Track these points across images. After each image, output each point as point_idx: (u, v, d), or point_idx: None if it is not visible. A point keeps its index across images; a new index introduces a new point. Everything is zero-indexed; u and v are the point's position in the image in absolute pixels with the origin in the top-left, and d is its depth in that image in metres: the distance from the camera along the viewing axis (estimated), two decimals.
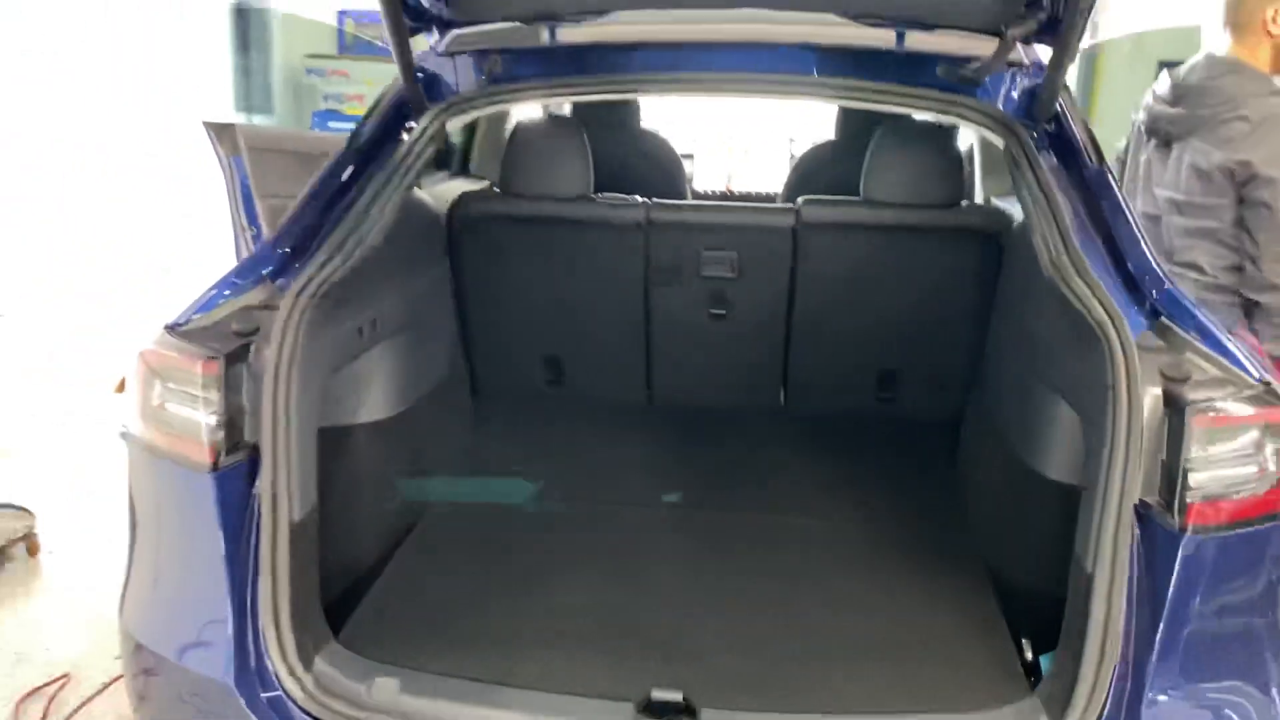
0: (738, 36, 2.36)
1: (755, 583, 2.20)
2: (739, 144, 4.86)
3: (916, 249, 2.68)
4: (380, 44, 7.24)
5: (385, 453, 2.29)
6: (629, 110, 3.53)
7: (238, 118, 6.25)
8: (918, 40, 2.33)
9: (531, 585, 2.16)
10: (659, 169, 3.42)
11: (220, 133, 4.59)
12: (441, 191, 2.95)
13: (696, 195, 4.08)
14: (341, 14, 7.03)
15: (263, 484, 1.75)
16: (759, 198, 4.25)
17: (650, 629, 2.03)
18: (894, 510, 2.49)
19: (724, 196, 4.43)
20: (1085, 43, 2.38)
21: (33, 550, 3.72)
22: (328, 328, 1.95)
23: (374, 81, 6.93)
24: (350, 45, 7.10)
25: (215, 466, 1.75)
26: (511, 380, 2.94)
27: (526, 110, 3.29)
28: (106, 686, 3.00)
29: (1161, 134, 2.70)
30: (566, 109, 3.41)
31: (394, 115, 2.37)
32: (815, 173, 3.42)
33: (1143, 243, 1.94)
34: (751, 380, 2.92)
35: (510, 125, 3.57)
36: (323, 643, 1.80)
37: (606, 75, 2.37)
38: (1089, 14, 1.97)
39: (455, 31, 2.51)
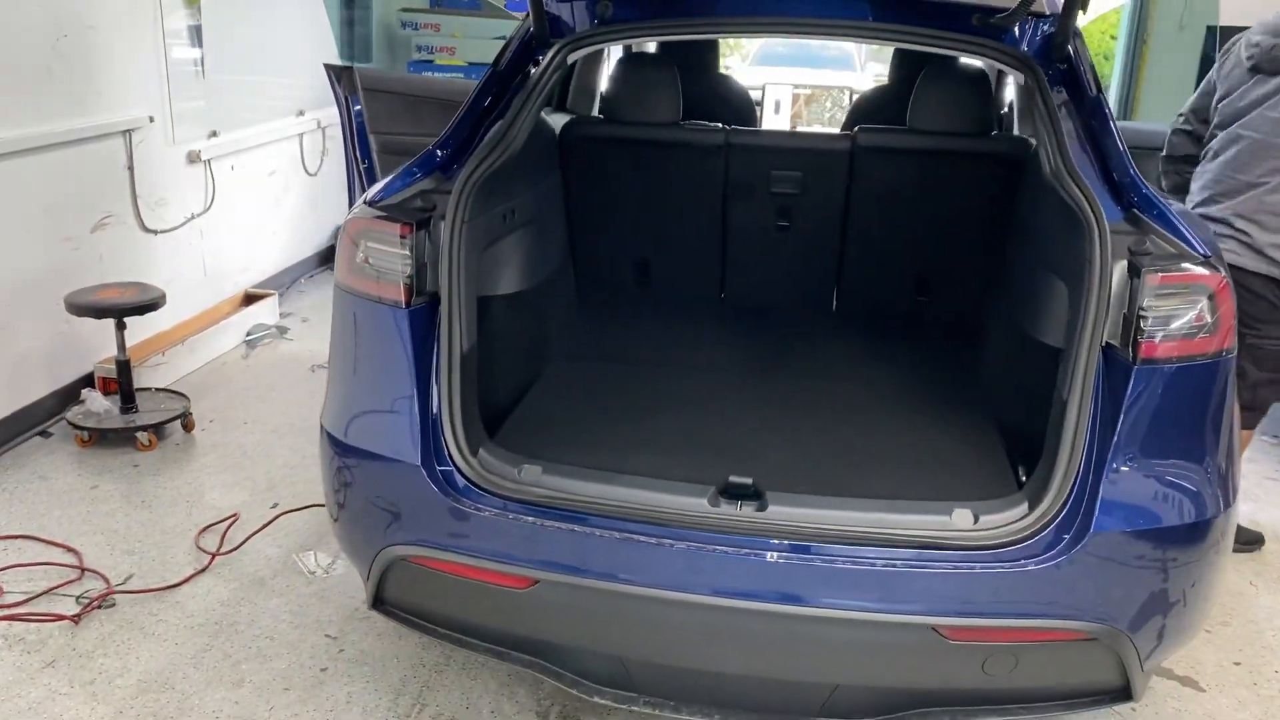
0: None
1: (807, 417, 2.78)
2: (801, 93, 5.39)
3: (952, 170, 3.20)
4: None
5: (516, 318, 2.87)
6: (711, 54, 4.07)
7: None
8: None
9: (632, 414, 2.76)
10: (734, 105, 3.96)
11: (340, 74, 5.19)
12: (552, 120, 3.51)
13: None
14: None
15: (441, 318, 2.35)
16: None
17: (725, 442, 2.62)
18: (921, 377, 3.04)
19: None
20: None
21: (189, 427, 4.38)
22: (484, 209, 2.53)
23: (461, 34, 7.53)
24: (440, 0, 7.68)
25: (408, 304, 2.36)
26: (607, 277, 3.51)
27: (617, 51, 3.84)
28: (267, 525, 3.66)
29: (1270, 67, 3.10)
30: (650, 48, 3.94)
31: (524, 49, 2.93)
32: (871, 110, 3.93)
33: (1125, 156, 2.45)
34: (809, 283, 3.47)
35: (603, 67, 4.12)
36: (482, 440, 2.40)
37: (700, 17, 2.91)
38: None
39: None
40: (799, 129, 5.05)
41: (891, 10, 2.84)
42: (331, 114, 6.65)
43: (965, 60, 3.16)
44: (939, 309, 3.40)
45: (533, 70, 2.86)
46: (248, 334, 5.47)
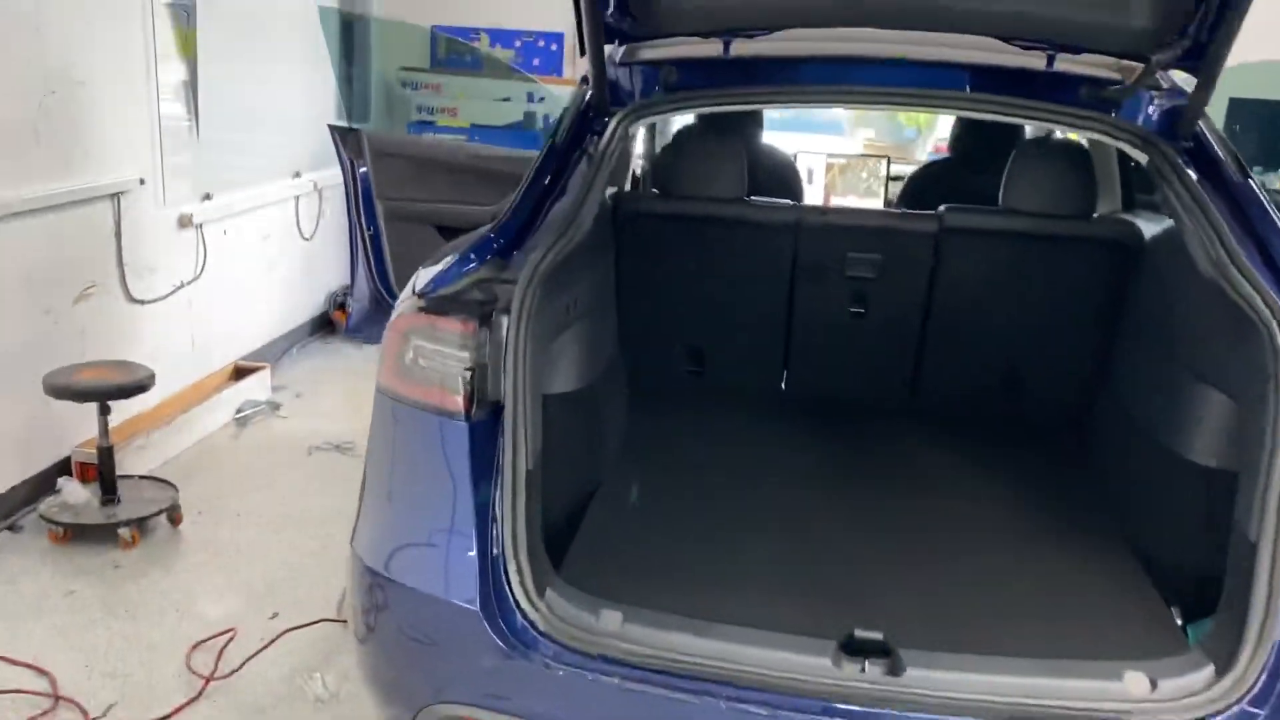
0: (898, 54, 2.59)
1: (917, 542, 2.42)
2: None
3: (1049, 256, 2.90)
4: (469, 59, 7.57)
5: (573, 420, 2.51)
6: (755, 122, 3.78)
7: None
8: (1063, 62, 2.55)
9: (713, 539, 2.39)
10: (779, 176, 3.66)
11: (345, 136, 4.87)
12: None
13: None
14: (435, 30, 7.32)
15: (504, 431, 1.99)
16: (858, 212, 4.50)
17: (830, 577, 2.25)
18: (1031, 490, 2.70)
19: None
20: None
21: (176, 520, 3.97)
22: (549, 301, 2.19)
23: (464, 95, 7.25)
24: (443, 59, 7.40)
25: (469, 415, 1.99)
26: (656, 366, 3.17)
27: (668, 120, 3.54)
28: (268, 645, 3.24)
29: None
30: (689, 119, 3.64)
31: (582, 120, 2.61)
32: (929, 188, 3.64)
33: None
34: (882, 375, 3.14)
35: (642, 135, 3.81)
36: (550, 577, 2.02)
37: (775, 86, 2.61)
38: (1233, 43, 2.20)
39: (632, 44, 2.76)
40: (835, 202, 4.75)
41: (993, 81, 2.55)
42: (328, 176, 6.33)
43: (1067, 134, 2.88)
44: (1031, 408, 3.07)
45: (595, 143, 2.54)
46: (238, 411, 5.07)
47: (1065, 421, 2.98)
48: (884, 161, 4.80)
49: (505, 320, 2.05)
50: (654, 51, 2.73)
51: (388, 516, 2.13)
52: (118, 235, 4.42)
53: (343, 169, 4.75)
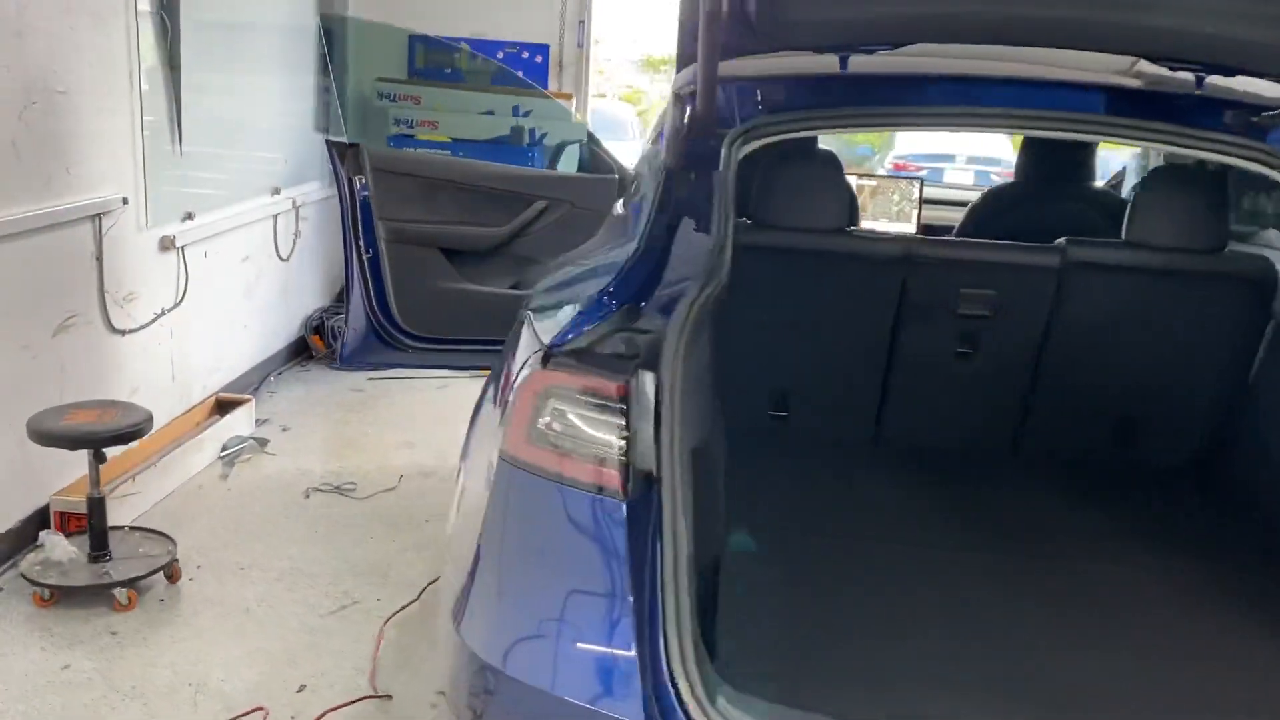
0: (1032, 74, 2.37)
1: (1076, 622, 2.17)
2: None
3: (1177, 293, 2.69)
4: (449, 71, 7.23)
5: (699, 481, 2.23)
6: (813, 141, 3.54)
7: (316, 139, 6.16)
8: (1212, 85, 2.35)
9: (872, 618, 2.12)
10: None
11: (344, 152, 4.52)
12: None
13: None
14: (413, 39, 6.97)
15: (665, 506, 1.70)
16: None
17: (1003, 665, 1.99)
18: (1172, 552, 2.47)
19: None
20: None
21: (174, 576, 3.59)
22: (690, 351, 1.90)
23: (443, 107, 6.90)
24: (421, 70, 7.04)
25: (626, 492, 1.69)
26: (735, 409, 2.89)
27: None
28: None
29: None
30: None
31: (690, 145, 2.33)
32: (997, 214, 3.42)
33: None
34: (986, 422, 2.90)
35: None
36: (718, 682, 1.73)
37: (898, 107, 2.36)
38: None
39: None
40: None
41: (1131, 105, 2.34)
42: (306, 192, 5.96)
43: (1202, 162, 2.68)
44: (1144, 456, 2.85)
45: (705, 169, 2.26)
46: (224, 449, 4.67)
47: (1182, 469, 2.77)
48: (916, 184, 4.59)
49: (648, 377, 1.76)
50: (755, 67, 2.47)
51: (514, 604, 1.81)
52: (99, 260, 4.02)
53: (339, 187, 4.40)
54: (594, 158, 4.90)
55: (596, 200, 4.59)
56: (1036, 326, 2.73)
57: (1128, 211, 2.68)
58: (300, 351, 6.15)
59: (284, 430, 5.05)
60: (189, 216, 4.67)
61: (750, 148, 2.34)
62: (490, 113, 6.89)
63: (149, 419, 3.50)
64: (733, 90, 2.43)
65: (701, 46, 2.16)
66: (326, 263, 6.40)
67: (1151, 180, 2.71)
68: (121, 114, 4.12)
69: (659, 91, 21.57)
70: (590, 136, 4.98)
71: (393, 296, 4.45)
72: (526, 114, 6.88)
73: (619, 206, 3.61)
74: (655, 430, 1.72)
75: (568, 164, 5.27)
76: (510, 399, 1.83)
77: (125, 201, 4.13)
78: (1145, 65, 2.35)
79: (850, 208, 2.78)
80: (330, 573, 3.70)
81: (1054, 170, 3.40)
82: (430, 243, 4.54)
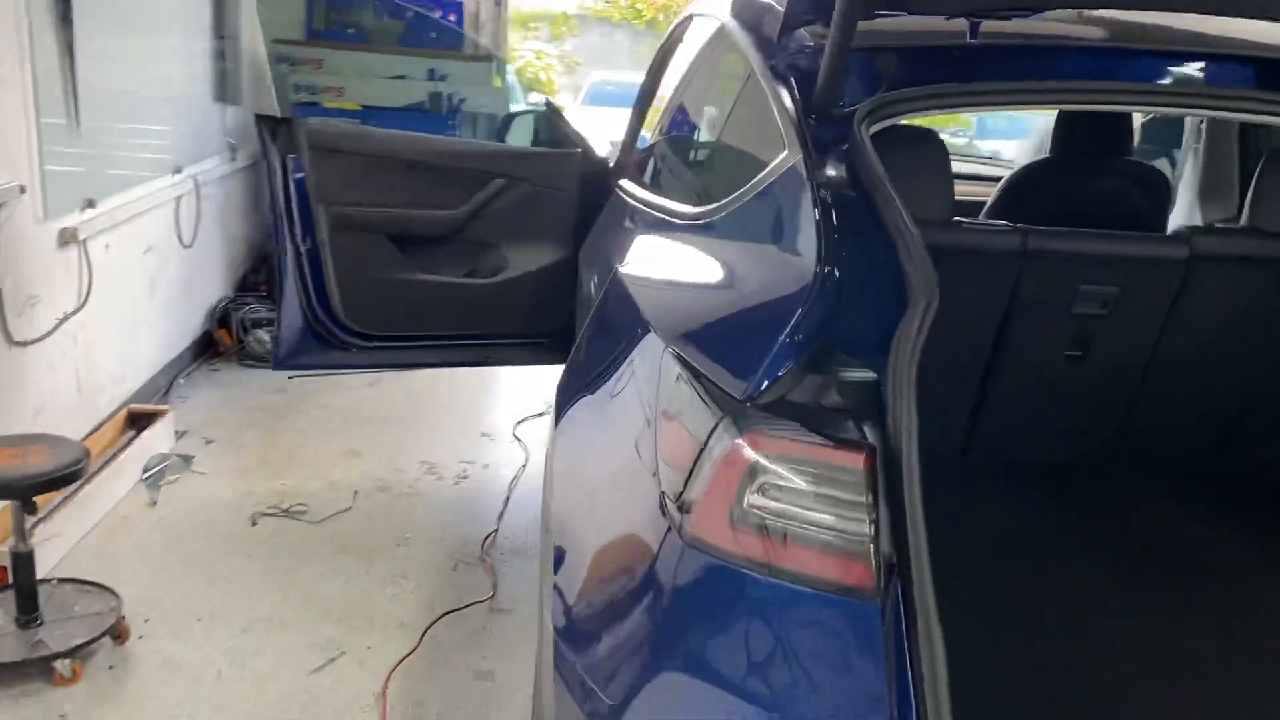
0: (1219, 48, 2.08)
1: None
2: None
3: None
4: (352, 32, 6.58)
5: None
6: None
7: (214, 109, 5.50)
8: None
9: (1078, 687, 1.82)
10: None
11: (275, 129, 3.98)
12: None
13: None
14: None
15: (919, 612, 1.33)
16: None
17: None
18: None
19: None
20: None
21: (122, 636, 3.05)
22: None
23: (350, 72, 6.28)
24: (321, 31, 6.38)
25: (879, 591, 1.32)
26: None
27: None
28: None
29: None
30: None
31: (811, 126, 1.96)
32: (1030, 195, 3.15)
33: None
34: (1087, 431, 2.63)
35: None
36: None
37: (1043, 81, 2.05)
38: None
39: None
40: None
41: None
42: (206, 170, 5.31)
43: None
44: (1251, 464, 2.63)
45: (840, 154, 1.90)
46: (145, 470, 4.07)
47: None
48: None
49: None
50: (869, 33, 2.10)
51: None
52: None
53: (270, 170, 3.86)
54: (553, 130, 4.44)
55: (559, 178, 4.17)
56: (1154, 324, 2.47)
57: (1251, 195, 2.43)
58: (207, 348, 5.52)
59: (208, 443, 4.47)
60: (90, 204, 4.03)
61: (877, 129, 1.98)
62: (403, 77, 6.31)
63: (84, 456, 2.94)
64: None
65: (838, 6, 1.79)
66: (229, 247, 5.77)
67: (1276, 159, 2.46)
68: (12, 88, 3.47)
69: (529, 48, 20.88)
70: (549, 105, 4.51)
71: (336, 291, 3.94)
72: (443, 78, 6.33)
73: (638, 195, 3.19)
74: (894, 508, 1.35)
75: (520, 137, 4.80)
76: (697, 469, 1.43)
77: (23, 190, 3.49)
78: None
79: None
80: (305, 619, 3.22)
81: (1094, 143, 3.15)
82: (378, 229, 4.04)
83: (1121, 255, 2.42)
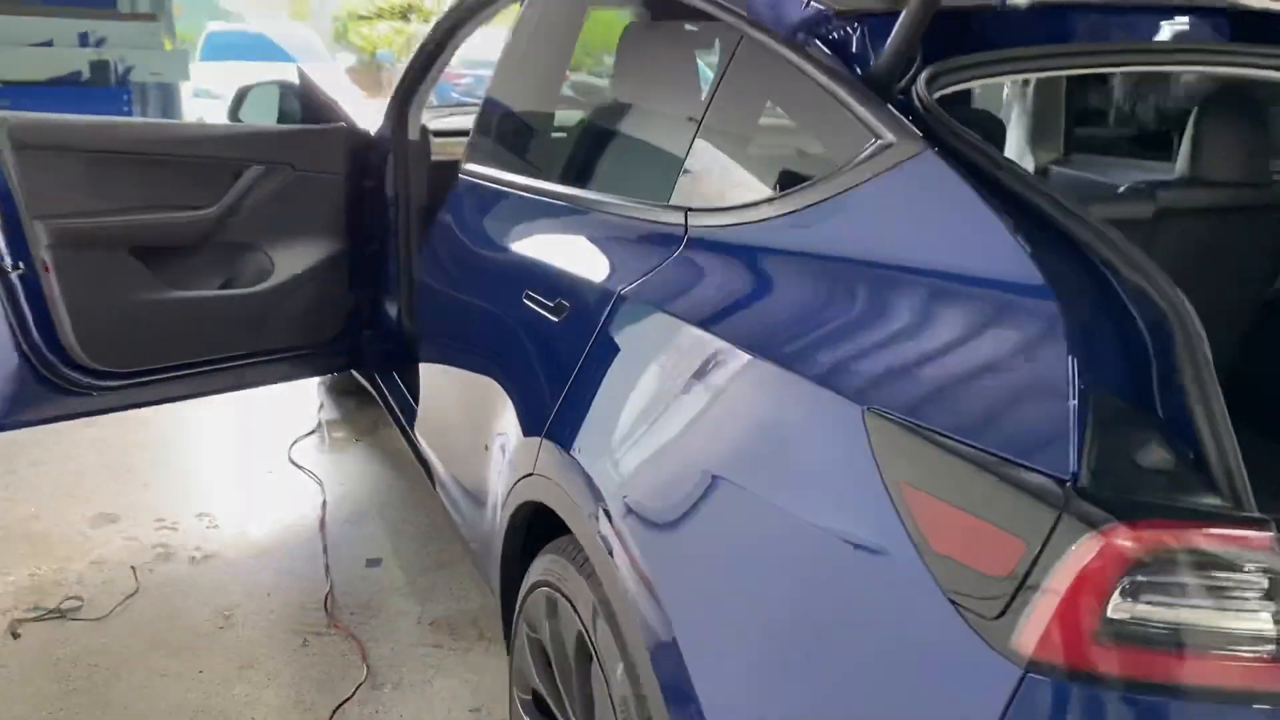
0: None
1: None
2: None
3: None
4: None
5: None
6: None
7: None
8: None
9: None
10: None
11: None
12: None
13: None
14: None
15: None
16: None
17: None
18: None
19: None
20: None
21: None
22: None
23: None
24: None
25: None
26: None
27: None
28: None
29: None
30: None
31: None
32: None
33: None
34: None
35: None
36: None
37: (1125, 43, 1.89)
38: None
39: None
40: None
41: None
42: None
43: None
44: None
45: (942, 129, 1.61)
46: None
47: None
48: None
49: None
50: None
51: None
52: None
53: None
54: (305, 104, 3.79)
55: (325, 159, 3.64)
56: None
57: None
58: None
59: None
60: None
61: (942, 92, 1.72)
62: (49, 43, 5.16)
63: None
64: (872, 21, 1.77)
65: None
66: None
67: None
68: None
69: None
70: (300, 74, 3.83)
71: (68, 324, 3.20)
72: (100, 42, 5.26)
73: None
74: None
75: (259, 113, 4.06)
76: (1036, 569, 1.11)
77: None
78: None
79: None
80: None
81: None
82: (118, 243, 3.29)
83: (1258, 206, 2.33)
